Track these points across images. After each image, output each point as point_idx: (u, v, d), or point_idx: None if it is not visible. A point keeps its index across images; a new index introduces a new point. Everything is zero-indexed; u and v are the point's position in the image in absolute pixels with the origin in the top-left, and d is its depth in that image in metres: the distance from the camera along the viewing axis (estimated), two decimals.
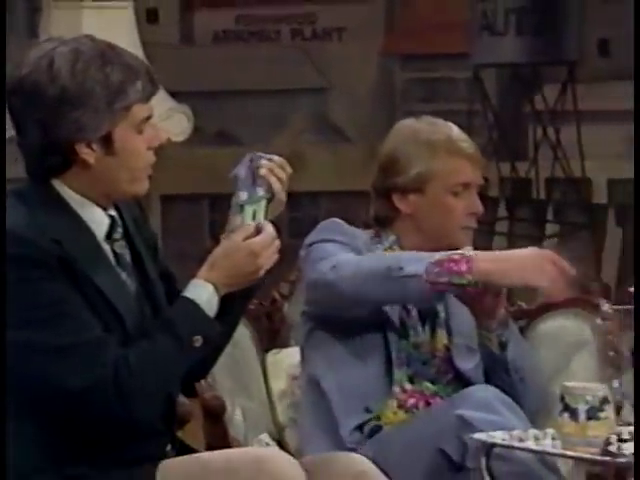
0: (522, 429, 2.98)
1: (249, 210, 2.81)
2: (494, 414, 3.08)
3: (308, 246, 3.23)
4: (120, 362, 2.69)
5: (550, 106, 6.59)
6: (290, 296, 3.48)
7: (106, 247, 2.76)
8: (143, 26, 4.86)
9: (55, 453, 2.75)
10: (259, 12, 6.97)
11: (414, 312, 3.28)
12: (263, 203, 2.81)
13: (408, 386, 3.28)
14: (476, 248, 3.37)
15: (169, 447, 2.81)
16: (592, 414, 2.84)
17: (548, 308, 3.55)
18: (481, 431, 2.98)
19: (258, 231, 2.79)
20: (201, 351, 2.76)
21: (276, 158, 2.82)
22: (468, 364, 3.29)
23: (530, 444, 2.91)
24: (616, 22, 6.51)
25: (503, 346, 3.26)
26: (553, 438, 2.89)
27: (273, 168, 2.81)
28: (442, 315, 3.30)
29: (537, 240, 6.58)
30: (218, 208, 6.43)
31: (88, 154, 2.71)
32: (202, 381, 3.05)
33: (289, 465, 2.72)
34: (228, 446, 3.10)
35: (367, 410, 3.20)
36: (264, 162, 2.80)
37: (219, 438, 3.15)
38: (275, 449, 2.96)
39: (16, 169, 2.84)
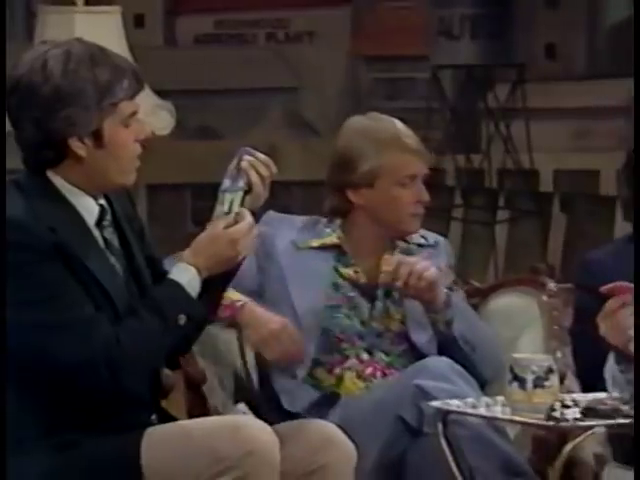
0: (475, 397, 2.99)
1: (228, 198, 2.83)
2: (449, 383, 3.09)
3: None
4: (110, 338, 2.69)
5: (501, 104, 6.59)
6: None
7: (96, 233, 2.77)
8: (130, 30, 4.83)
9: (50, 421, 2.74)
10: (236, 17, 6.96)
11: (358, 293, 3.30)
12: (240, 194, 2.82)
13: (365, 357, 3.29)
14: (437, 233, 3.42)
15: (154, 416, 2.81)
16: (538, 383, 2.84)
17: (499, 287, 3.56)
18: (437, 399, 2.98)
19: (237, 220, 2.79)
20: (185, 329, 2.77)
21: (261, 156, 2.83)
22: (422, 337, 3.31)
23: (482, 410, 2.92)
24: (562, 28, 6.51)
25: (449, 324, 3.27)
26: (503, 405, 2.90)
27: (254, 164, 2.82)
28: (395, 294, 3.31)
29: (489, 225, 6.60)
30: (199, 196, 6.42)
31: (80, 148, 2.71)
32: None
33: (263, 431, 2.73)
34: (208, 415, 3.10)
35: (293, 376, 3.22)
36: (247, 157, 2.81)
37: (199, 407, 3.14)
38: (251, 417, 2.96)
39: (16, 160, 2.83)
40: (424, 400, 3.04)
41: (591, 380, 3.14)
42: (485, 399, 2.95)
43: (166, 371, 2.96)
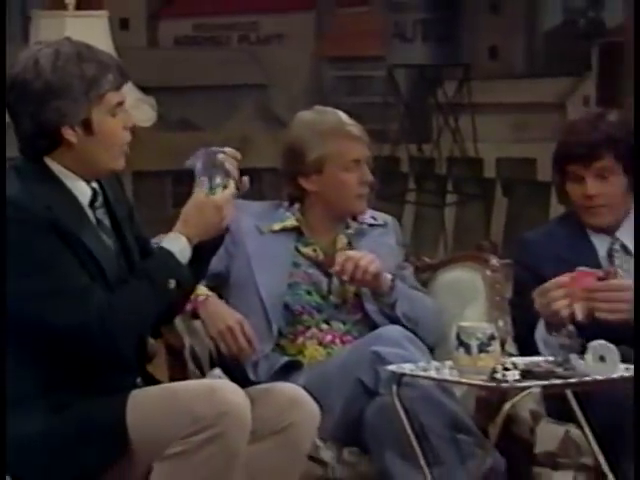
0: (425, 362, 3.00)
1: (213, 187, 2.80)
2: (402, 349, 3.10)
3: None
4: (103, 304, 2.69)
5: (449, 99, 6.59)
6: None
7: (89, 213, 2.74)
8: (116, 32, 4.81)
9: (46, 384, 2.74)
10: (212, 21, 6.95)
11: (317, 270, 3.30)
12: (219, 190, 2.80)
13: (324, 327, 3.30)
14: (392, 215, 3.43)
15: (139, 379, 2.80)
16: (482, 348, 2.85)
17: (448, 262, 3.56)
18: (392, 364, 2.99)
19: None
20: (174, 293, 2.75)
21: (228, 150, 2.83)
22: (375, 308, 3.31)
23: (432, 373, 2.93)
24: (503, 32, 6.52)
25: (393, 306, 3.28)
26: (450, 368, 2.91)
27: (228, 159, 2.81)
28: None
29: (439, 207, 6.61)
30: (179, 182, 6.40)
31: (72, 135, 2.70)
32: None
33: (236, 394, 2.73)
34: (187, 378, 3.09)
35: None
36: (221, 156, 2.80)
37: (180, 372, 3.14)
38: (225, 381, 2.95)
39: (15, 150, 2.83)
40: (380, 364, 3.04)
41: (526, 344, 3.16)
42: (434, 363, 2.96)
43: (150, 339, 2.95)
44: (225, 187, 2.78)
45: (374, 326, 3.25)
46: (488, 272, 3.46)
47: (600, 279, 3.04)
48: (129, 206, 2.87)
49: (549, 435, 3.20)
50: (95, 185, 2.78)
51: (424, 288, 3.44)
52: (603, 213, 3.25)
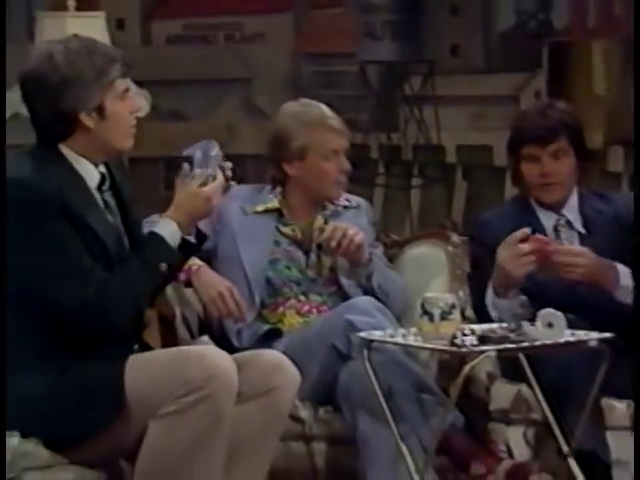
0: (393, 329, 3.00)
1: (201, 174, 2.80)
2: (372, 318, 3.10)
3: None
4: (102, 284, 2.68)
5: (415, 92, 6.59)
6: None
7: (97, 195, 2.74)
8: (113, 32, 4.80)
9: (49, 349, 2.72)
10: (200, 22, 6.92)
11: (295, 247, 3.31)
12: (210, 180, 2.80)
13: (302, 298, 3.30)
14: (364, 197, 3.43)
15: (136, 346, 2.80)
16: (444, 316, 2.85)
17: (413, 239, 3.56)
18: (363, 331, 2.99)
19: (206, 182, 2.77)
20: (165, 275, 2.75)
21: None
22: (350, 281, 3.31)
23: (399, 339, 2.93)
24: (463, 32, 6.53)
25: (369, 277, 3.27)
26: (415, 335, 2.90)
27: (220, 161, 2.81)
28: (326, 248, 3.31)
29: (405, 190, 6.62)
30: (170, 167, 6.39)
31: (88, 120, 2.70)
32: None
33: (224, 359, 2.72)
34: (178, 345, 3.08)
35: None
36: (215, 149, 2.80)
37: (171, 339, 3.13)
38: (214, 347, 2.93)
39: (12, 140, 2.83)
40: (352, 331, 3.04)
41: (482, 311, 3.18)
42: (401, 330, 2.96)
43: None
44: (214, 179, 2.79)
45: (347, 298, 3.25)
46: (450, 248, 3.46)
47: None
48: (130, 189, 2.86)
49: (503, 394, 3.21)
50: (103, 169, 2.78)
51: (392, 263, 3.45)
52: (555, 190, 3.28)
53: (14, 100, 4.39)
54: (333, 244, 3.21)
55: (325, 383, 3.10)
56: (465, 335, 2.81)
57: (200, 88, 6.78)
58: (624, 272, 3.19)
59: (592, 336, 2.90)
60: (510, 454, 3.16)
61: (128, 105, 2.74)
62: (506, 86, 6.34)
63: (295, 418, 3.09)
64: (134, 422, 2.68)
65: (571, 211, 3.34)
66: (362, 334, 2.95)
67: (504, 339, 2.85)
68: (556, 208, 3.33)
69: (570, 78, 6.05)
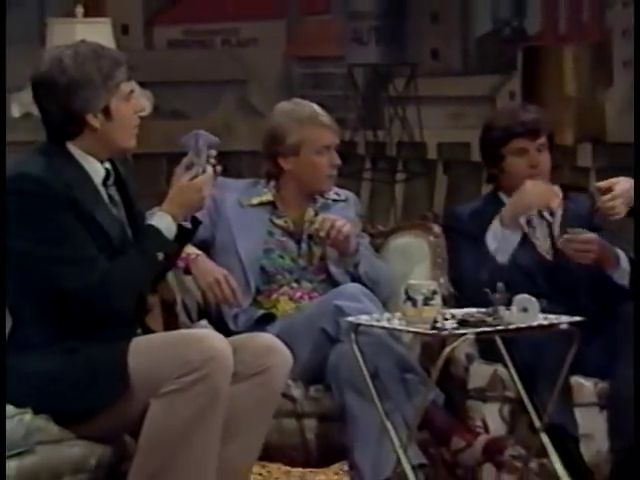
0: (379, 313, 2.99)
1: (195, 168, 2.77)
2: (360, 303, 3.09)
3: None
4: (105, 272, 2.66)
5: (399, 93, 6.58)
6: None
7: (102, 190, 2.73)
8: (118, 36, 4.79)
9: (58, 331, 2.72)
10: (199, 27, 6.91)
11: (288, 238, 3.29)
12: (200, 171, 2.78)
13: (294, 285, 3.29)
14: (351, 190, 3.42)
15: (139, 330, 2.79)
16: (426, 302, 2.85)
17: (398, 230, 3.56)
18: (351, 315, 2.98)
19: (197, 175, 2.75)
20: (162, 264, 2.74)
21: (213, 138, 2.82)
22: (339, 269, 3.30)
23: (384, 323, 2.93)
24: (443, 37, 6.53)
25: (356, 266, 3.26)
26: (399, 319, 2.90)
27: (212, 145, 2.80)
28: (316, 238, 3.31)
29: (390, 184, 6.61)
30: (172, 163, 6.38)
31: (95, 121, 2.69)
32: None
33: (221, 342, 2.71)
34: (179, 328, 3.07)
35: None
36: (202, 140, 2.79)
37: (172, 323, 3.12)
38: (212, 330, 2.93)
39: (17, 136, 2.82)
40: (341, 316, 3.03)
41: (459, 286, 3.19)
42: (386, 314, 2.96)
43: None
44: (204, 171, 2.77)
45: (336, 284, 3.24)
46: (431, 238, 3.45)
47: None
48: (135, 183, 2.85)
49: (480, 373, 3.21)
50: (108, 165, 2.76)
51: (377, 252, 3.43)
52: (541, 179, 3.29)
53: (26, 100, 4.37)
54: (322, 234, 3.20)
55: (315, 364, 3.09)
56: (446, 319, 2.81)
57: (199, 89, 6.77)
58: (623, 257, 3.20)
59: (563, 320, 2.90)
60: (486, 429, 3.16)
61: (132, 106, 2.72)
62: (483, 87, 6.34)
63: (287, 396, 3.08)
64: (137, 400, 2.67)
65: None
66: (350, 318, 2.95)
67: (482, 323, 2.85)
68: None
69: (542, 80, 6.07)
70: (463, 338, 2.81)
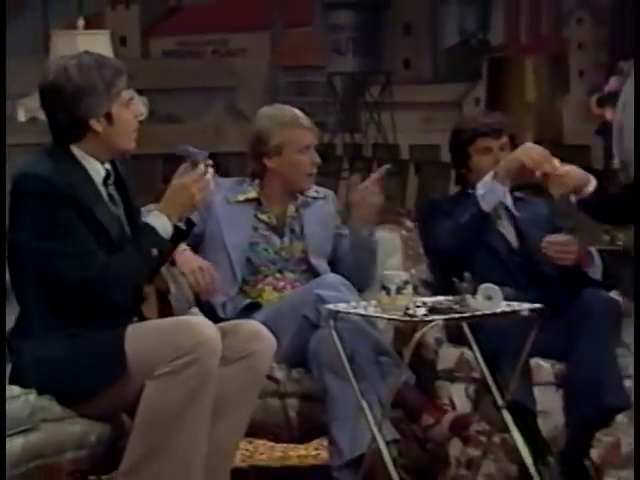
0: (356, 301, 2.98)
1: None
2: (338, 292, 3.08)
3: None
4: (104, 266, 2.65)
5: (375, 99, 6.58)
6: None
7: (102, 189, 2.71)
8: (117, 47, 4.76)
9: (62, 319, 2.71)
10: (191, 39, 6.89)
11: (271, 232, 3.28)
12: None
13: (278, 276, 3.28)
14: (330, 188, 3.41)
15: (135, 318, 2.77)
16: (399, 291, 2.85)
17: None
18: (330, 303, 2.97)
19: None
20: (157, 259, 2.71)
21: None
22: (319, 261, 3.30)
23: (361, 310, 2.92)
24: (414, 49, 6.54)
25: (371, 234, 3.26)
26: (375, 307, 2.89)
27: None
28: (297, 230, 3.30)
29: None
30: (167, 163, 6.35)
31: (98, 125, 2.67)
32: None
33: (210, 328, 2.70)
34: (172, 316, 3.05)
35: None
36: (192, 149, 2.74)
37: (166, 310, 3.09)
38: (202, 318, 2.91)
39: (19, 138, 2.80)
40: (321, 304, 3.02)
41: (434, 258, 3.23)
42: (363, 303, 2.95)
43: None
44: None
45: (317, 275, 3.23)
46: (404, 232, 3.45)
47: None
48: (133, 182, 2.84)
49: (448, 356, 3.21)
50: (108, 166, 2.75)
51: None
52: None
53: (32, 105, 4.34)
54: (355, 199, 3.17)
55: (297, 348, 3.08)
56: (417, 307, 2.80)
57: (192, 95, 6.74)
58: (596, 254, 3.24)
59: (524, 307, 2.90)
60: (454, 407, 3.16)
61: (132, 112, 2.71)
62: (451, 94, 6.35)
63: (271, 378, 3.07)
64: (134, 382, 2.66)
65: (507, 197, 3.35)
66: (329, 306, 2.94)
67: (450, 310, 2.84)
68: None
69: (505, 88, 6.09)
70: (433, 324, 2.80)
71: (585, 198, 3.11)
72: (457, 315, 2.83)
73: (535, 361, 3.17)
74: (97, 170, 2.72)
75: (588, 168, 3.23)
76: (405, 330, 3.02)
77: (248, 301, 3.22)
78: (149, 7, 6.89)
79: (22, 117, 4.61)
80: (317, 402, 3.05)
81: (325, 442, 3.11)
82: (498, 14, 6.27)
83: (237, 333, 2.75)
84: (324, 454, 3.19)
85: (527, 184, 3.42)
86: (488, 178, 3.21)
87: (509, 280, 3.10)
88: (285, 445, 3.43)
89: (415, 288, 3.00)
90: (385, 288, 2.83)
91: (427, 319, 2.78)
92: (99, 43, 4.45)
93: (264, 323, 2.84)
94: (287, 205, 3.31)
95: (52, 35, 4.76)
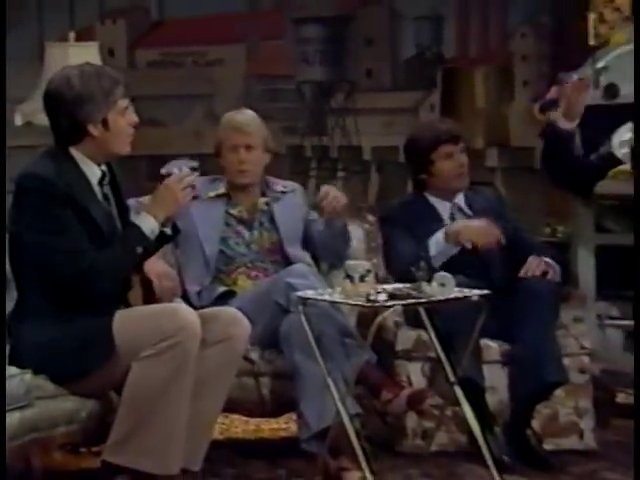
0: (322, 289, 2.98)
1: None
2: (307, 280, 3.08)
3: None
4: (94, 261, 2.64)
5: (340, 105, 6.58)
6: None
7: (98, 189, 2.70)
8: (105, 57, 4.71)
9: (55, 307, 2.69)
10: (173, 50, 6.86)
11: (242, 226, 3.27)
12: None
13: (250, 265, 3.27)
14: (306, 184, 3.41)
15: (122, 305, 2.76)
16: (362, 279, 2.85)
17: None
18: (299, 290, 2.97)
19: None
20: (141, 255, 2.71)
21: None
22: (294, 248, 3.30)
23: (327, 297, 2.92)
24: (375, 59, 6.55)
25: (344, 226, 3.22)
26: (340, 293, 2.89)
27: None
28: (266, 223, 3.29)
29: (332, 180, 6.61)
30: (151, 164, 6.32)
31: (95, 130, 2.66)
32: None
33: (191, 314, 2.70)
34: (156, 303, 3.03)
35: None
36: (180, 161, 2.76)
37: (150, 298, 3.08)
38: (183, 304, 2.89)
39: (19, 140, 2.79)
40: (291, 291, 3.02)
41: (391, 267, 3.20)
42: (329, 290, 2.95)
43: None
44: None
45: (290, 263, 3.22)
46: (366, 226, 3.45)
47: None
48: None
49: (406, 338, 3.22)
50: (104, 168, 2.74)
51: None
52: (466, 177, 3.32)
53: (28, 110, 4.29)
54: (324, 204, 3.13)
55: (270, 331, 3.08)
56: (378, 293, 2.81)
57: (174, 101, 6.72)
58: (556, 265, 3.25)
59: (474, 292, 2.91)
60: (410, 383, 3.17)
61: (127, 119, 2.70)
62: (409, 101, 6.38)
63: (247, 359, 3.06)
64: (121, 363, 2.66)
65: (460, 199, 3.35)
66: (299, 293, 2.93)
67: (408, 296, 2.85)
68: (449, 197, 3.34)
69: (458, 95, 6.13)
70: (392, 309, 2.81)
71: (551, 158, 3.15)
72: (414, 300, 2.84)
73: (484, 342, 3.19)
74: (93, 171, 2.71)
75: (531, 168, 3.25)
76: (367, 314, 3.03)
77: (223, 289, 3.20)
78: (135, 22, 6.87)
79: (19, 121, 4.56)
80: (288, 380, 3.05)
81: (294, 416, 3.11)
82: (450, 29, 6.31)
83: (218, 318, 2.75)
84: (294, 427, 3.18)
85: (476, 181, 3.44)
86: (440, 238, 3.18)
87: (461, 268, 3.11)
88: (258, 419, 3.42)
89: (377, 276, 3.00)
90: (349, 276, 2.83)
91: (387, 304, 2.79)
92: (89, 54, 4.40)
93: (240, 309, 2.84)
94: (256, 199, 3.30)
95: (46, 46, 4.70)
